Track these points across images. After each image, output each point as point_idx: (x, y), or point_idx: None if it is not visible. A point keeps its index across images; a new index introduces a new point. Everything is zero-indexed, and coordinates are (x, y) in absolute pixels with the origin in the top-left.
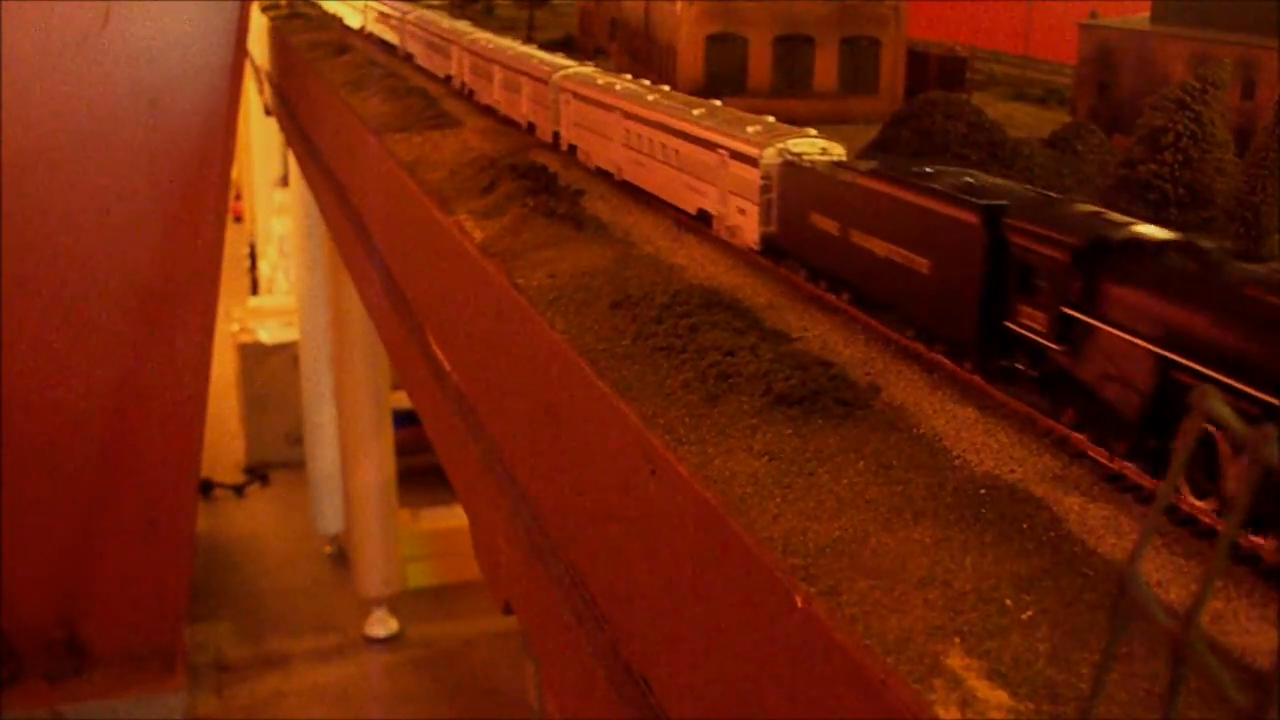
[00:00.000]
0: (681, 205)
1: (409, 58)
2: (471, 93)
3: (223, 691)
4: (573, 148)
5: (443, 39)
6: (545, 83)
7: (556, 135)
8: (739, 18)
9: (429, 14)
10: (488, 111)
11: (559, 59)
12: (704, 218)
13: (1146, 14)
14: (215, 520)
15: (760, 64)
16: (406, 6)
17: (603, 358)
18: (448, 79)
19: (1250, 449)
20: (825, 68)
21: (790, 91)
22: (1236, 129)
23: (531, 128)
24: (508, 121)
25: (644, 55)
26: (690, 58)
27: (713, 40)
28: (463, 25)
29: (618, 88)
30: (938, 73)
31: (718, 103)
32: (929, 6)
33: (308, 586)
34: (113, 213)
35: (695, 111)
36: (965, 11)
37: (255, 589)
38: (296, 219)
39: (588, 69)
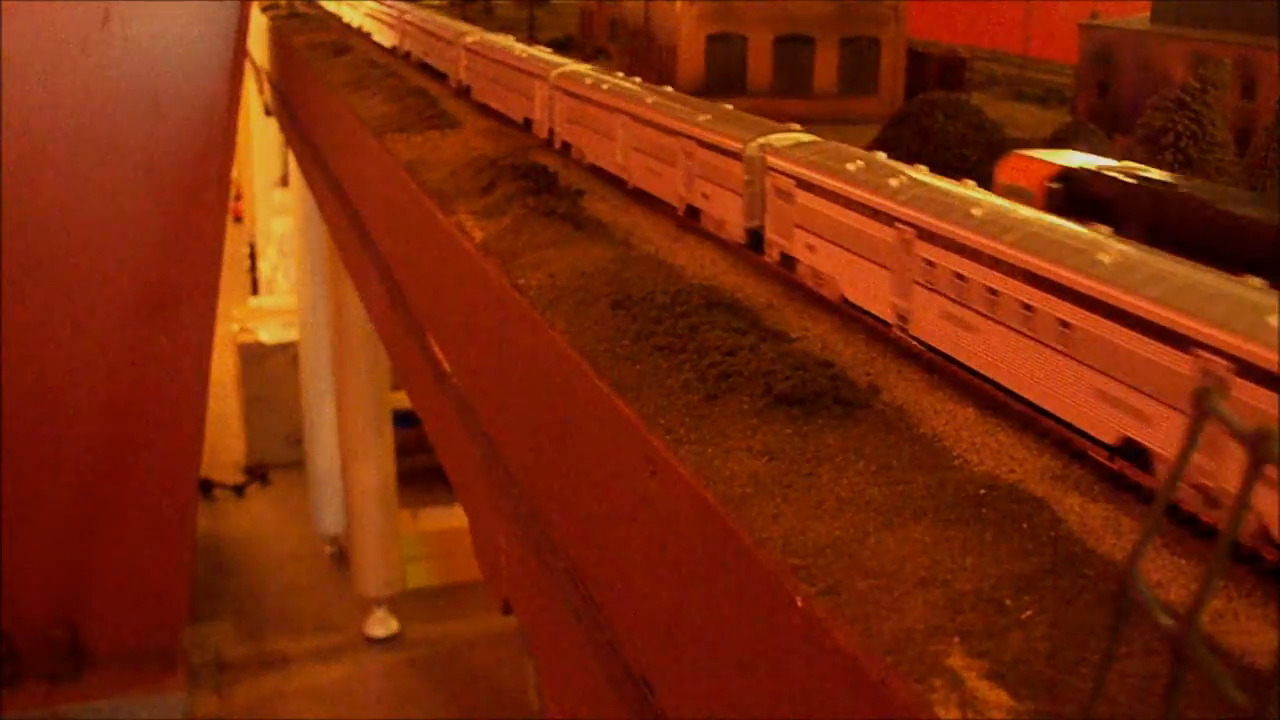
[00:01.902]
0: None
1: (465, 91)
2: (567, 146)
3: (223, 691)
4: (811, 272)
5: (522, 71)
6: (737, 157)
7: (770, 244)
8: (739, 18)
9: (498, 39)
10: (491, 112)
11: (744, 118)
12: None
13: (1146, 14)
14: (215, 520)
15: (760, 64)
16: (464, 27)
17: (603, 358)
18: (526, 123)
19: (1250, 448)
20: (825, 68)
21: (790, 92)
22: (1236, 129)
23: (693, 212)
24: (641, 193)
25: (644, 55)
26: (690, 58)
27: (713, 40)
28: (546, 53)
29: (957, 195)
30: (938, 73)
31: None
32: (929, 7)
33: (308, 586)
34: (113, 213)
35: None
36: (965, 11)
37: (255, 589)
38: (296, 219)
39: (808, 138)
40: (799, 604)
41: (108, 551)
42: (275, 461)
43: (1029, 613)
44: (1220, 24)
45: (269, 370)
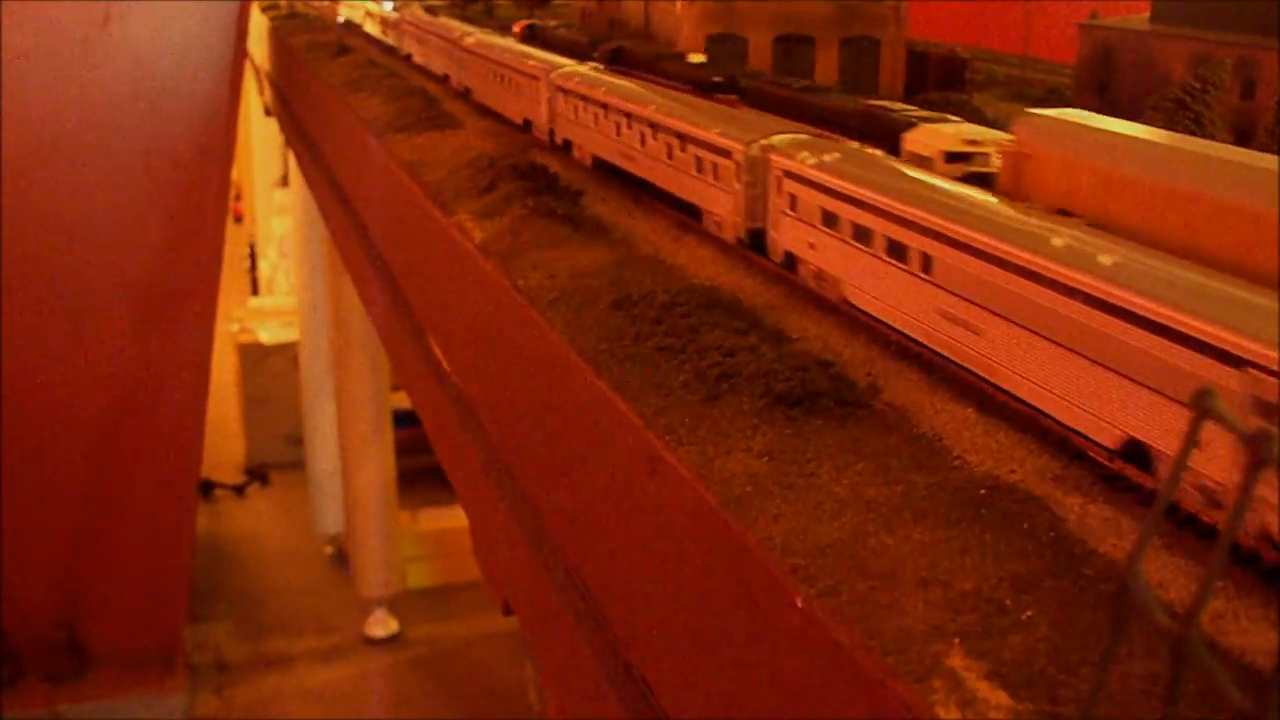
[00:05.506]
0: None
1: (736, 242)
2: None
3: (223, 691)
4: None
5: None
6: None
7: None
8: (739, 18)
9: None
10: (489, 112)
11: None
12: None
13: (1146, 14)
14: (215, 520)
15: (760, 64)
16: (709, 108)
17: (603, 358)
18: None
19: (1250, 448)
20: (825, 68)
21: None
22: (1236, 129)
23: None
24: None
25: None
26: None
27: (713, 40)
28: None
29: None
30: (938, 73)
31: None
32: (929, 7)
33: (308, 586)
34: (113, 212)
35: None
36: (965, 11)
37: (255, 589)
38: (296, 219)
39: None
40: (799, 604)
41: (108, 552)
42: (275, 461)
43: (1029, 613)
44: (1220, 24)
45: (269, 370)
